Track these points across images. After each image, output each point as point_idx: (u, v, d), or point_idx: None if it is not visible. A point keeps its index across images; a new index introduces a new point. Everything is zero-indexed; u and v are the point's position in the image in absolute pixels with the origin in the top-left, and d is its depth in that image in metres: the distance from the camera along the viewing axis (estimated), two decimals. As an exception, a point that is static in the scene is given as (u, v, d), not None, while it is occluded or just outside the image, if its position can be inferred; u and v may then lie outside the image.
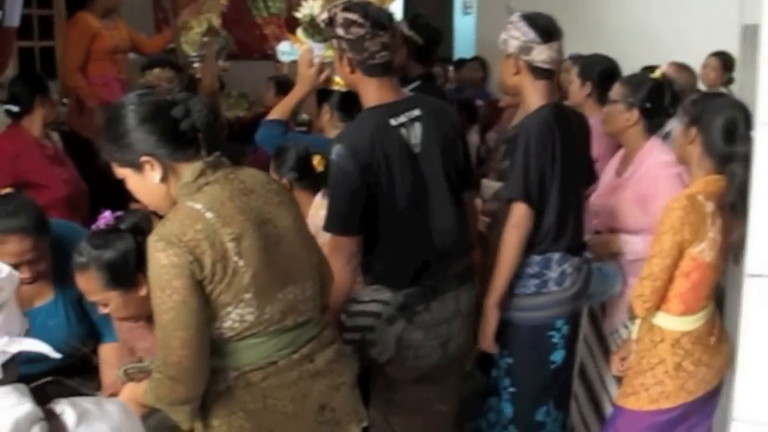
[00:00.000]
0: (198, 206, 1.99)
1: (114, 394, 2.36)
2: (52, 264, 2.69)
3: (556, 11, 2.91)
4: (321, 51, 3.23)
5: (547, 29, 2.81)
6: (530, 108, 2.89)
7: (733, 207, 2.52)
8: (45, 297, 2.77)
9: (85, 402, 1.52)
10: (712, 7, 5.97)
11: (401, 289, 2.66)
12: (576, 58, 4.24)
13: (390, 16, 2.69)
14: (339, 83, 3.22)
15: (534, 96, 2.88)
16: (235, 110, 5.87)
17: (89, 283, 2.32)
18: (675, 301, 2.62)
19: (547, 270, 2.90)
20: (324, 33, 2.86)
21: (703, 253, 2.54)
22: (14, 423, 1.38)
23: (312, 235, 2.32)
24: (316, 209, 3.21)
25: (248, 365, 2.08)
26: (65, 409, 1.47)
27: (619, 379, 3.04)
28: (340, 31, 2.61)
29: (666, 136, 3.33)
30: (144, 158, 2.02)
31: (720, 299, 2.88)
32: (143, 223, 2.33)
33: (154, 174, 2.04)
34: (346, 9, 2.61)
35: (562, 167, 2.84)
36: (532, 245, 2.87)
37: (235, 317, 2.03)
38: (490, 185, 4.25)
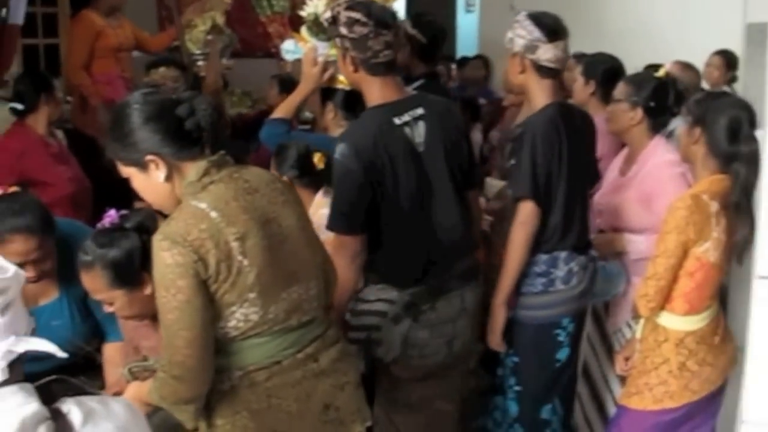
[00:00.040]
0: (202, 205, 1.99)
1: (118, 393, 2.35)
2: (57, 262, 2.69)
3: (560, 9, 2.91)
4: (325, 49, 3.23)
5: (552, 28, 2.82)
6: (536, 107, 2.90)
7: (738, 207, 2.53)
8: (50, 295, 2.77)
9: (91, 401, 1.52)
10: (715, 6, 5.96)
11: (407, 288, 2.67)
12: (580, 57, 4.24)
13: (393, 14, 2.68)
14: (343, 82, 3.21)
15: (539, 94, 2.88)
16: (238, 108, 5.87)
17: (94, 282, 2.32)
18: (679, 301, 2.62)
19: (554, 269, 2.91)
20: (328, 31, 2.86)
21: (707, 252, 2.54)
22: (21, 422, 1.38)
23: (316, 234, 2.32)
24: (317, 207, 3.21)
25: (252, 365, 2.08)
26: (71, 409, 1.46)
27: (622, 379, 3.05)
28: (343, 30, 2.61)
29: (669, 135, 3.33)
30: (149, 157, 2.02)
31: (723, 299, 2.88)
32: (148, 222, 2.33)
33: (158, 173, 2.04)
34: (349, 8, 2.61)
35: (569, 165, 2.84)
36: (538, 244, 2.88)
37: (239, 316, 2.02)
38: (494, 184, 4.26)
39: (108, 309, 2.39)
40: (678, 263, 2.56)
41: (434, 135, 2.67)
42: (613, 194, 3.30)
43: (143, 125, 2.02)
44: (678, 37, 5.90)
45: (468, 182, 2.83)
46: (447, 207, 2.70)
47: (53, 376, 1.59)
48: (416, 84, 3.66)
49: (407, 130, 2.63)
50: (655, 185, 3.11)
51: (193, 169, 2.04)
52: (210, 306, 1.98)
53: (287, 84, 5.02)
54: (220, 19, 5.47)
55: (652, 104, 3.17)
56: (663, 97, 3.19)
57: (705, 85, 5.35)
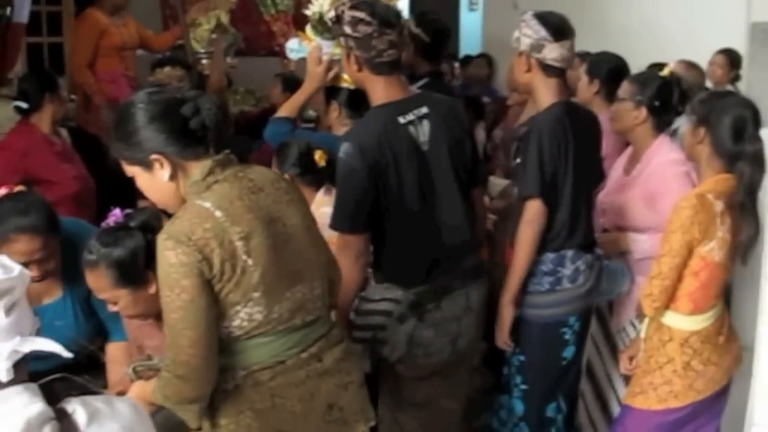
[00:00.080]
0: (207, 205, 1.98)
1: (122, 392, 2.35)
2: (61, 261, 2.69)
3: (564, 8, 2.92)
4: (330, 48, 3.23)
5: (559, 27, 2.82)
6: (541, 105, 2.91)
7: (742, 206, 2.52)
8: (53, 294, 2.77)
9: (96, 401, 1.52)
10: (719, 5, 5.97)
11: (412, 288, 2.67)
12: (584, 56, 4.23)
13: (398, 13, 2.68)
14: (347, 80, 3.21)
15: (545, 93, 2.89)
16: (242, 106, 5.88)
17: (99, 281, 2.32)
18: (684, 300, 2.61)
19: (561, 267, 2.92)
20: (332, 31, 2.86)
21: (712, 252, 2.53)
22: (26, 423, 1.38)
23: (321, 233, 2.32)
24: (317, 206, 3.21)
25: (256, 364, 2.08)
26: (76, 409, 1.46)
27: (626, 378, 3.05)
28: (347, 29, 2.61)
29: (673, 134, 3.33)
30: (153, 156, 2.02)
31: (727, 298, 2.88)
32: (153, 221, 2.33)
33: (163, 172, 2.03)
34: (353, 7, 2.60)
35: (575, 164, 2.85)
36: (545, 242, 2.89)
37: (243, 316, 2.02)
38: (497, 182, 4.26)
39: (112, 308, 2.38)
40: (683, 263, 2.56)
41: (439, 134, 2.67)
42: (617, 193, 3.29)
43: (148, 124, 2.01)
44: (682, 36, 5.89)
45: (472, 180, 2.83)
46: (452, 206, 2.70)
47: (57, 375, 1.58)
48: (420, 83, 3.66)
49: (412, 129, 2.63)
50: (660, 184, 3.11)
51: (197, 168, 2.04)
52: (214, 305, 1.98)
53: (290, 82, 5.02)
54: (225, 18, 5.48)
55: (656, 103, 3.16)
56: (667, 96, 3.18)
57: (708, 83, 5.35)
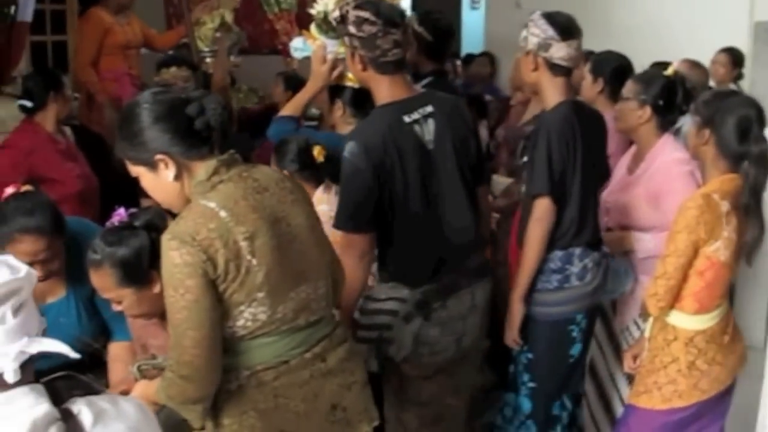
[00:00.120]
0: (212, 205, 1.98)
1: (125, 392, 2.36)
2: (65, 261, 2.69)
3: (568, 7, 2.92)
4: (334, 47, 3.23)
5: (566, 27, 2.83)
6: (548, 104, 2.92)
7: (747, 208, 2.52)
8: (57, 294, 2.77)
9: (102, 401, 1.52)
10: (723, 4, 5.98)
11: (418, 287, 2.67)
12: (588, 55, 4.22)
13: (402, 13, 2.68)
14: (352, 79, 3.21)
15: (552, 92, 2.90)
16: (244, 104, 5.88)
17: (103, 281, 2.32)
18: (689, 300, 2.61)
19: (570, 265, 2.92)
20: (337, 30, 2.86)
21: (717, 252, 2.53)
22: (32, 423, 1.38)
23: (325, 233, 2.31)
24: (316, 203, 3.20)
25: (260, 364, 2.08)
26: (82, 409, 1.46)
27: (629, 377, 3.05)
28: (352, 29, 2.60)
29: (677, 132, 3.32)
30: (158, 156, 2.02)
31: (730, 297, 2.87)
32: (157, 220, 2.32)
33: (168, 172, 2.03)
34: (358, 7, 2.60)
35: (583, 162, 2.86)
36: (553, 240, 2.90)
37: (247, 316, 2.02)
38: (500, 181, 4.26)
39: (116, 307, 2.38)
40: (688, 263, 2.56)
41: (443, 132, 2.67)
42: (621, 192, 3.29)
43: (153, 124, 2.01)
44: (686, 36, 5.90)
45: (477, 179, 2.83)
46: (457, 204, 2.70)
47: (62, 373, 1.59)
48: (424, 82, 3.66)
49: (417, 128, 2.63)
50: (664, 183, 3.11)
51: (202, 168, 2.04)
52: (218, 305, 1.98)
53: (292, 81, 5.02)
54: (229, 17, 5.49)
55: (660, 102, 3.16)
56: (671, 95, 3.18)
57: (711, 82, 5.35)
